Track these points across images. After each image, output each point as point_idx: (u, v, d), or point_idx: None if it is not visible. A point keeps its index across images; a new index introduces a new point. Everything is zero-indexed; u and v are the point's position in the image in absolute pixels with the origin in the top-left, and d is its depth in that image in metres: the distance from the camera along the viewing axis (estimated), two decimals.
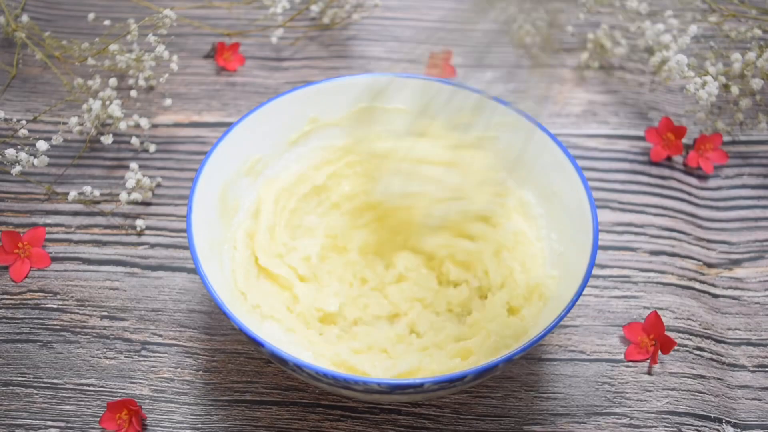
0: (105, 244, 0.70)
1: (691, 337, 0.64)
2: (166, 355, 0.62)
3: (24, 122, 0.75)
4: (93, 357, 0.62)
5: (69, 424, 0.58)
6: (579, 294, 0.54)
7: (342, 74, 0.85)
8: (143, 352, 0.63)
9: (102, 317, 0.64)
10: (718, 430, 0.59)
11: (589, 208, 0.59)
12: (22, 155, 0.71)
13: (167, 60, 0.80)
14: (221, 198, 0.61)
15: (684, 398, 0.61)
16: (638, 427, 0.59)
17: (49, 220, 0.71)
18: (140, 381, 0.61)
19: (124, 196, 0.71)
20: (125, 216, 0.72)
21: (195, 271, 0.68)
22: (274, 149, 0.66)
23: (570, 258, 0.60)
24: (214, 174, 0.60)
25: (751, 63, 0.77)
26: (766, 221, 0.73)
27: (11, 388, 0.60)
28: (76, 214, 0.72)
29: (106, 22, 0.83)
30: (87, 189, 0.71)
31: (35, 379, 0.61)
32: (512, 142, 0.59)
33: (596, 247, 0.57)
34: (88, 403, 0.60)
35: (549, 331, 0.52)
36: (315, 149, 0.68)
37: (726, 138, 0.80)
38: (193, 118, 0.80)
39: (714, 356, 0.64)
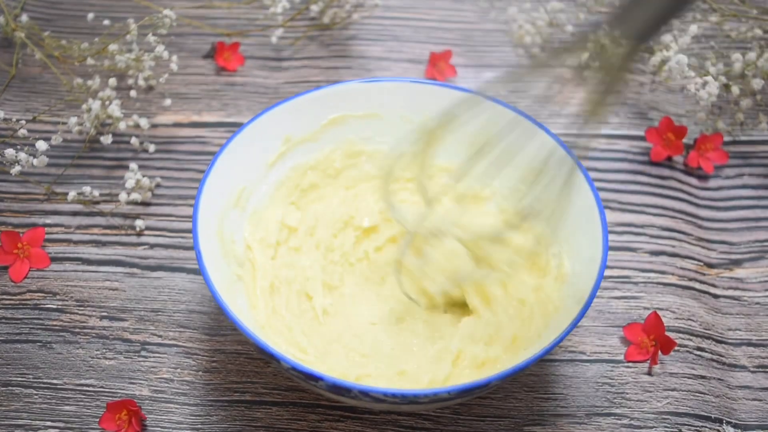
0: (104, 244, 0.70)
1: (691, 337, 0.64)
2: (165, 355, 0.62)
3: (23, 122, 0.75)
4: (92, 357, 0.62)
5: (68, 425, 0.58)
6: (602, 271, 0.55)
7: (341, 74, 0.85)
8: (143, 353, 0.62)
9: (101, 317, 0.64)
10: (718, 430, 0.59)
11: (589, 189, 0.59)
12: (22, 155, 0.71)
13: (167, 60, 0.80)
14: (219, 235, 0.60)
15: (684, 399, 0.61)
16: (638, 427, 0.59)
17: (49, 220, 0.71)
18: (140, 381, 0.61)
19: (123, 196, 0.71)
20: (125, 216, 0.71)
21: (195, 271, 0.68)
22: (256, 175, 0.65)
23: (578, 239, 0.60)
24: (209, 210, 0.59)
25: (752, 63, 0.77)
26: (767, 221, 0.73)
27: (10, 388, 0.60)
28: (75, 214, 0.72)
29: (106, 22, 0.83)
30: (86, 189, 0.71)
31: (34, 380, 0.61)
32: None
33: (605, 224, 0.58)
34: (87, 404, 0.59)
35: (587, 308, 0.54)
36: (289, 171, 0.67)
37: (726, 138, 0.79)
38: (193, 118, 0.80)
39: (714, 357, 0.64)
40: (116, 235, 0.70)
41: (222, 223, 0.61)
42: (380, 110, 0.68)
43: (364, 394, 0.50)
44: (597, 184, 0.75)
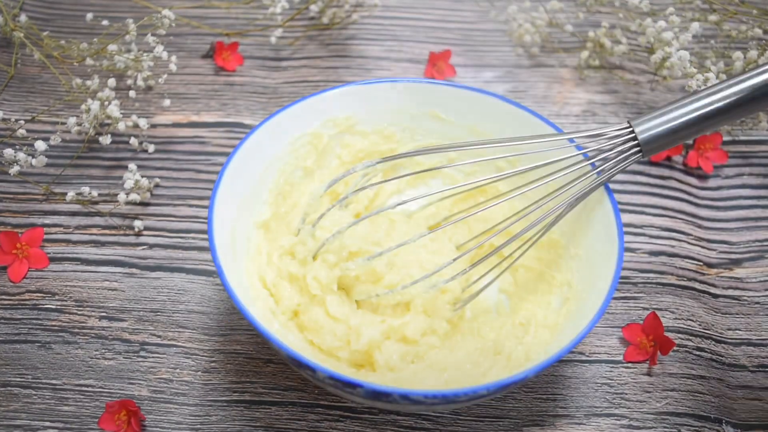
0: (103, 244, 0.69)
1: (691, 337, 0.64)
2: (164, 355, 0.62)
3: (22, 122, 0.75)
4: (91, 358, 0.62)
5: (67, 425, 0.58)
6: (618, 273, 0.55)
7: (341, 74, 0.85)
8: (142, 353, 0.62)
9: (100, 318, 0.64)
10: (718, 430, 0.59)
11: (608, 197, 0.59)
12: (21, 155, 0.71)
13: (166, 60, 0.80)
14: (231, 240, 0.60)
15: (684, 399, 0.61)
16: (638, 428, 0.59)
17: (48, 220, 0.71)
18: (139, 382, 0.61)
19: (122, 196, 0.71)
20: (123, 216, 0.71)
21: (194, 271, 0.68)
22: (255, 189, 0.64)
23: (589, 240, 0.60)
24: (224, 217, 0.59)
25: (753, 61, 0.77)
26: (767, 221, 0.73)
27: (9, 388, 0.60)
28: (74, 214, 0.72)
29: (105, 22, 0.83)
30: (85, 189, 0.71)
31: (34, 380, 0.61)
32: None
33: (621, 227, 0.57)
34: (86, 404, 0.59)
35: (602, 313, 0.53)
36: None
37: (726, 137, 0.79)
38: (192, 118, 0.80)
39: (714, 356, 0.64)
40: (115, 235, 0.70)
41: (234, 231, 0.60)
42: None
43: (404, 397, 0.50)
44: None
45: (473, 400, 0.53)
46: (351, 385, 0.50)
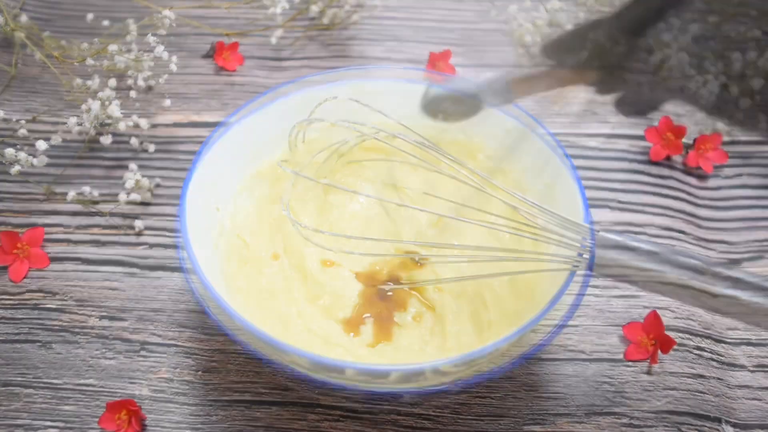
0: (104, 244, 0.70)
1: (691, 336, 0.64)
2: (165, 355, 0.62)
3: (23, 122, 0.75)
4: (92, 357, 0.62)
5: (68, 425, 0.58)
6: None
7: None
8: (142, 353, 0.62)
9: (101, 317, 0.64)
10: (717, 430, 0.59)
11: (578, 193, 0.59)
12: (21, 155, 0.71)
13: (166, 60, 0.80)
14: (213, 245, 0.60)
15: (684, 398, 0.61)
16: (638, 426, 0.59)
17: (48, 220, 0.71)
18: (139, 381, 0.61)
19: (123, 196, 0.71)
20: (124, 216, 0.72)
21: (194, 271, 0.68)
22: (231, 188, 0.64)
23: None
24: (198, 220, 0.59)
25: (752, 62, 0.77)
26: (766, 221, 0.73)
27: (10, 388, 0.60)
28: (75, 214, 0.72)
29: (105, 23, 0.83)
30: (86, 189, 0.71)
31: (34, 380, 0.61)
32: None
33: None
34: (87, 404, 0.59)
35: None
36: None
37: (726, 138, 0.79)
38: (193, 118, 0.80)
39: (714, 356, 0.64)
40: (116, 235, 0.70)
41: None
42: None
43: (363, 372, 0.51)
44: (596, 184, 0.75)
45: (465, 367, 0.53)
46: (337, 369, 0.51)
